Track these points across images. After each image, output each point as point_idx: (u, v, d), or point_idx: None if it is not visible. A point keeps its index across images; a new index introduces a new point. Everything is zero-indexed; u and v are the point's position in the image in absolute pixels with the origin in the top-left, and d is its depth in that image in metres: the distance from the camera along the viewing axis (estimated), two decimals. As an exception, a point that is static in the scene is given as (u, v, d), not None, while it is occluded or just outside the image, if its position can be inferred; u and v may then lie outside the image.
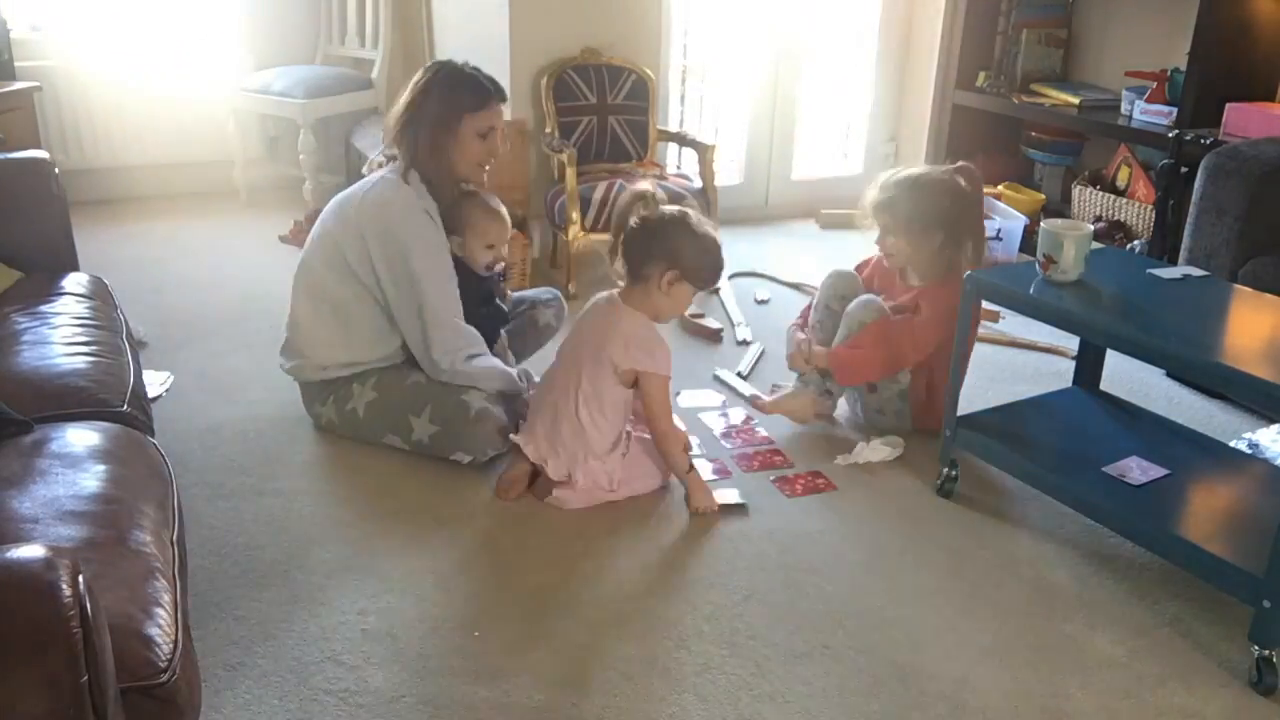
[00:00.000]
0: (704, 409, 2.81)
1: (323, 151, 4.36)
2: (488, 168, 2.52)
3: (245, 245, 4.01)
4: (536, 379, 2.56)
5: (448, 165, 2.46)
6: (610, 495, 2.30)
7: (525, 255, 3.61)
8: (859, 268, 2.82)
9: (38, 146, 3.15)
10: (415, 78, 2.49)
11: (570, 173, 3.50)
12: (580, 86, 3.82)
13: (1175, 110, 3.63)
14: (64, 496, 1.48)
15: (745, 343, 3.27)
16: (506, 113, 2.56)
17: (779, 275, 3.90)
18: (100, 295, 2.34)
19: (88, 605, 1.01)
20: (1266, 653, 1.81)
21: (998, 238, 4.02)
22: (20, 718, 0.94)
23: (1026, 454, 2.26)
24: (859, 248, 3.00)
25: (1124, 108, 3.91)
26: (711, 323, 3.35)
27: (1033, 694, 1.81)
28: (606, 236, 3.48)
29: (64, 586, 1.00)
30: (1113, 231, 3.90)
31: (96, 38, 4.20)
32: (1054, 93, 4.20)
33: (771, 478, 2.47)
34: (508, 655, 1.85)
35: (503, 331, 2.69)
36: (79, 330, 2.09)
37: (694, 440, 2.59)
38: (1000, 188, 4.35)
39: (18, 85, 3.60)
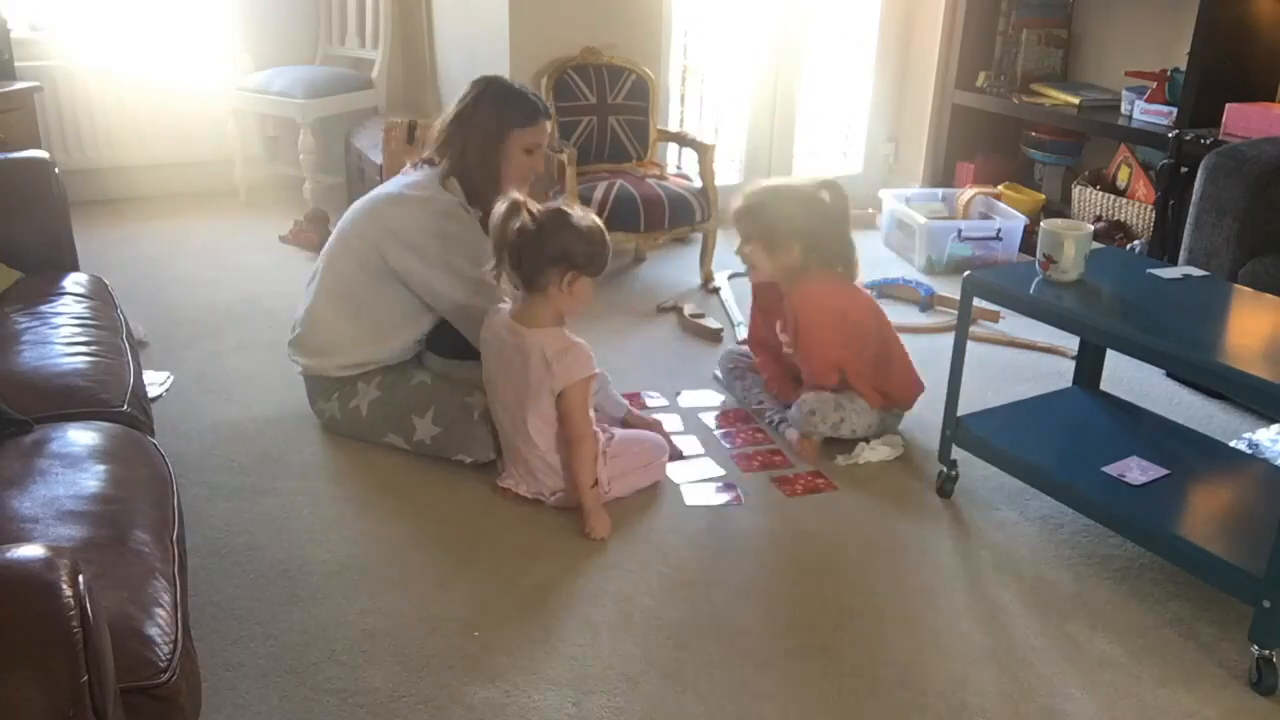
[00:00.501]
0: (704, 409, 2.81)
1: (322, 151, 4.37)
2: (528, 180, 2.54)
3: (245, 245, 4.01)
4: None
5: (493, 176, 2.48)
6: (607, 496, 2.29)
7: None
8: (755, 290, 2.84)
9: (38, 146, 3.15)
10: (465, 90, 2.53)
11: (570, 173, 3.50)
12: (580, 86, 3.82)
13: (1175, 110, 3.63)
14: (64, 496, 1.48)
15: (745, 343, 3.27)
16: (550, 130, 2.60)
17: (779, 275, 3.90)
18: (100, 295, 2.33)
19: (88, 605, 1.01)
20: (1266, 653, 1.81)
21: (998, 238, 4.02)
22: (20, 718, 0.94)
23: (1026, 454, 2.26)
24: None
25: (1124, 108, 3.91)
26: (711, 323, 3.35)
27: (1033, 694, 1.81)
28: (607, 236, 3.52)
29: (64, 586, 1.00)
30: (1113, 231, 3.90)
31: (96, 38, 4.20)
32: (1054, 93, 4.20)
33: (772, 476, 2.47)
34: (508, 655, 1.85)
35: None
36: (79, 330, 2.09)
37: (695, 440, 2.60)
38: (1000, 188, 4.35)
39: (18, 85, 3.60)
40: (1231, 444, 2.46)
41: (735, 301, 3.61)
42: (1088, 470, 2.17)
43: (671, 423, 2.69)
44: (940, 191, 4.44)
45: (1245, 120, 3.36)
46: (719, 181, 3.76)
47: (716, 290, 3.74)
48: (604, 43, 3.88)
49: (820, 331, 2.55)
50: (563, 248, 2.15)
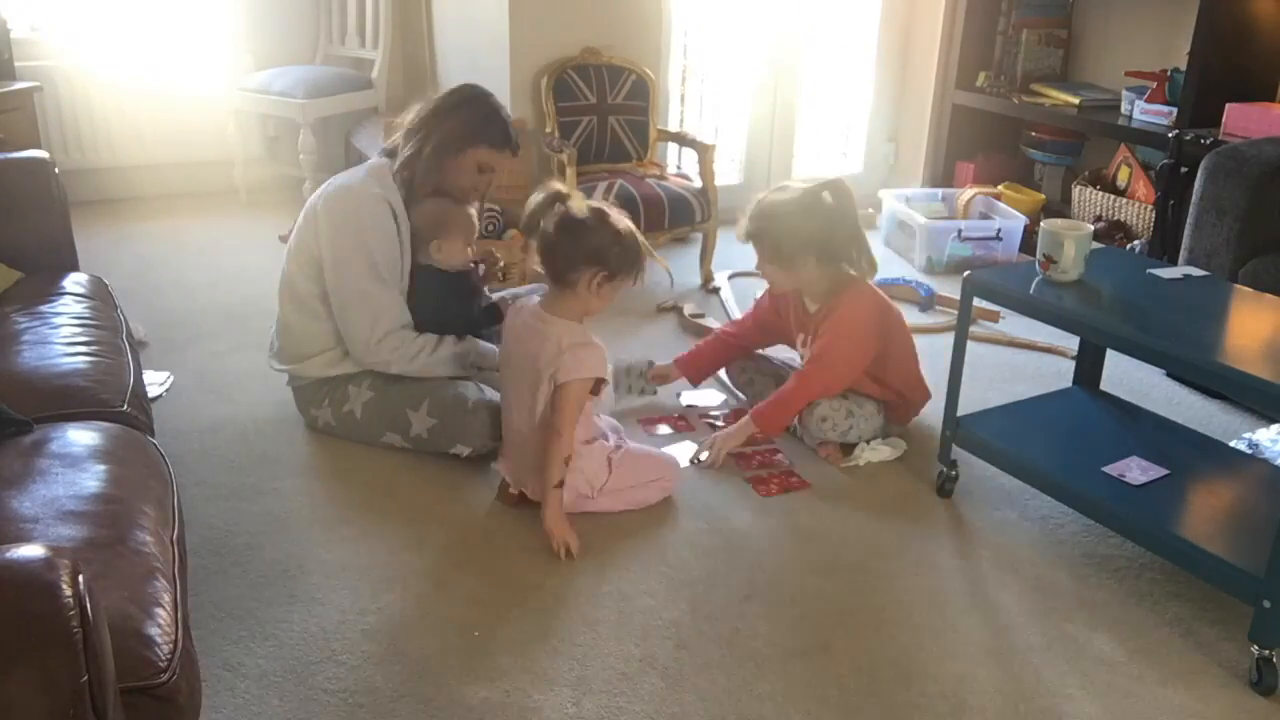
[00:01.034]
0: (705, 409, 2.81)
1: (323, 151, 4.36)
2: (469, 198, 2.55)
3: (245, 245, 4.01)
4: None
5: (437, 176, 2.47)
6: (592, 504, 2.25)
7: (525, 255, 3.60)
8: (758, 300, 2.80)
9: (38, 146, 3.15)
10: (450, 89, 2.54)
11: (570, 173, 3.50)
12: (580, 86, 3.82)
13: (1175, 110, 3.63)
14: (64, 496, 1.48)
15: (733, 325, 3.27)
16: (508, 164, 2.60)
17: (779, 275, 3.90)
18: (100, 295, 2.34)
19: (88, 605, 1.01)
20: (1266, 653, 1.81)
21: (998, 238, 4.02)
22: (20, 717, 0.94)
23: (1026, 454, 2.26)
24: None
25: (1124, 108, 3.91)
26: (711, 323, 3.35)
27: (1033, 694, 1.81)
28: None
29: (64, 586, 1.00)
30: (1113, 231, 3.90)
31: (96, 38, 4.20)
32: (1054, 93, 4.20)
33: (745, 477, 2.47)
34: (508, 655, 1.85)
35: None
36: (79, 330, 2.09)
37: (692, 444, 2.61)
38: (1000, 188, 4.35)
39: (18, 85, 3.61)
40: (1231, 444, 2.46)
41: (735, 301, 3.61)
42: (1088, 470, 2.17)
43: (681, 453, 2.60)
44: (940, 191, 4.44)
45: (1245, 120, 3.36)
46: (719, 181, 3.76)
47: (716, 290, 3.74)
48: (604, 43, 3.88)
49: (856, 350, 2.52)
50: (599, 248, 2.13)
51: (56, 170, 2.49)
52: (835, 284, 2.55)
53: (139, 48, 4.26)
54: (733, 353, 2.82)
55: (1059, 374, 3.07)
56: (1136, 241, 3.77)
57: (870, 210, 4.49)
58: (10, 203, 2.40)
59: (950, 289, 3.60)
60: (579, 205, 2.14)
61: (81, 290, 2.32)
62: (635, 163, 3.88)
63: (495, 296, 2.77)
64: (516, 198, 3.71)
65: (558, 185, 2.19)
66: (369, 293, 2.41)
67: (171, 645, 1.25)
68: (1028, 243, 3.94)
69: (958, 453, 2.38)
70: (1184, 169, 3.39)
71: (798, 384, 2.54)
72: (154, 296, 3.44)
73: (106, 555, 1.36)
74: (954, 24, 4.50)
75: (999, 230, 4.02)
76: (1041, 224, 2.20)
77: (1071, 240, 2.13)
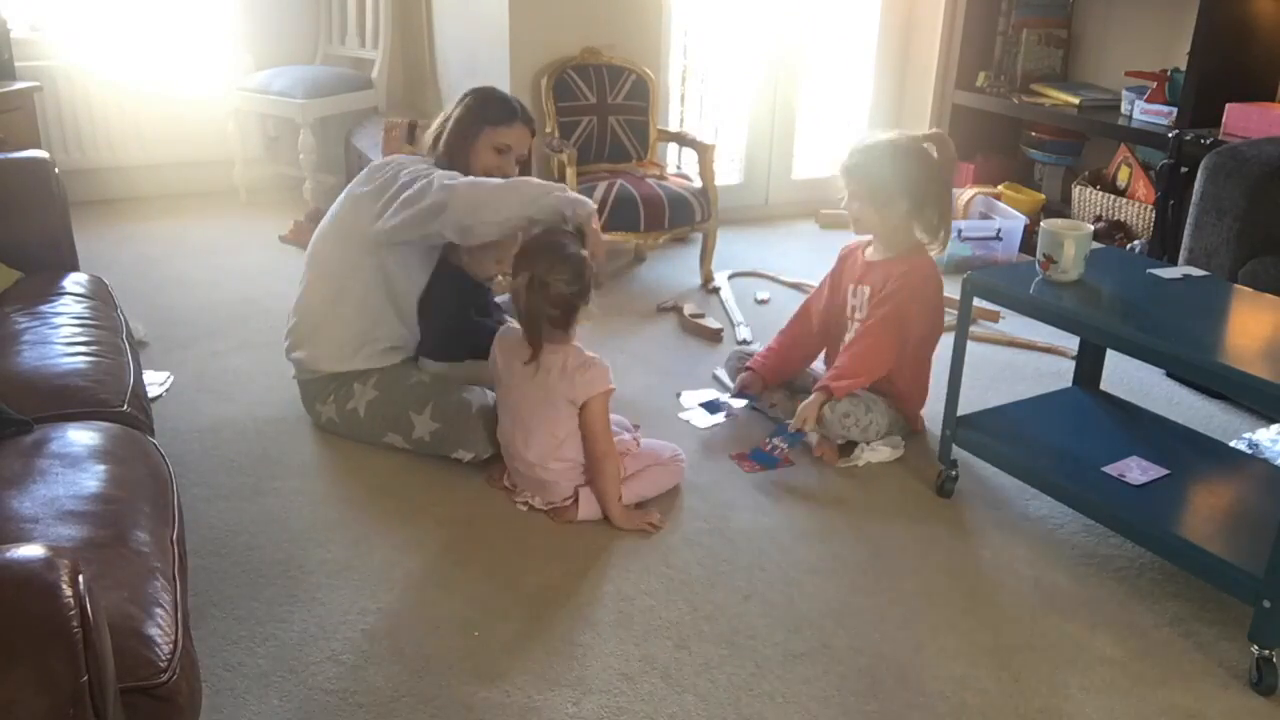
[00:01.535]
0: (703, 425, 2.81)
1: (322, 151, 4.37)
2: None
3: (245, 245, 4.01)
4: None
5: (459, 168, 2.49)
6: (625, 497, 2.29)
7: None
8: (841, 257, 2.78)
9: (38, 146, 3.15)
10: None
11: (570, 173, 3.50)
12: (580, 86, 3.82)
13: (1175, 110, 3.63)
14: (64, 496, 1.48)
15: (745, 342, 3.27)
16: (527, 140, 2.61)
17: (779, 275, 3.90)
18: (100, 295, 2.33)
19: (88, 605, 1.01)
20: (1266, 653, 1.81)
21: (998, 238, 4.02)
22: (20, 717, 0.94)
23: (1026, 454, 2.26)
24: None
25: (1124, 108, 3.91)
26: (711, 323, 3.35)
27: (1033, 694, 1.81)
28: (607, 236, 3.49)
29: (64, 586, 1.00)
30: (1113, 231, 3.90)
31: (96, 38, 4.21)
32: (1054, 93, 4.20)
33: (730, 454, 2.55)
34: (508, 655, 1.85)
35: None
36: (79, 330, 2.09)
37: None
38: (1000, 188, 4.35)
39: (18, 85, 3.61)
40: (1231, 444, 2.46)
41: (735, 301, 3.61)
42: (1088, 470, 2.17)
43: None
44: (940, 191, 4.43)
45: (1245, 120, 3.36)
46: (719, 181, 3.76)
47: (716, 290, 3.74)
48: (604, 43, 3.88)
49: (925, 311, 2.54)
50: (581, 292, 2.19)
51: (56, 170, 2.49)
52: (907, 241, 2.57)
53: (139, 48, 4.26)
54: (798, 351, 2.78)
55: (1059, 374, 3.07)
56: (1136, 241, 3.77)
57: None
58: (10, 203, 2.40)
59: (950, 289, 3.60)
60: (556, 279, 2.14)
61: (81, 290, 2.32)
62: (635, 163, 3.88)
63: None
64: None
65: (523, 277, 2.16)
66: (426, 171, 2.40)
67: (171, 645, 1.25)
68: (1028, 243, 3.94)
69: (958, 453, 2.38)
70: (1184, 169, 3.39)
71: (864, 348, 2.51)
72: (154, 296, 3.44)
73: (106, 555, 1.36)
74: (954, 24, 4.50)
75: (999, 230, 4.02)
76: (1041, 224, 2.20)
77: (1071, 240, 2.13)
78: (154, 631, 1.25)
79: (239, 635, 1.87)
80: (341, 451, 2.52)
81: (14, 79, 3.64)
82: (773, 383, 2.74)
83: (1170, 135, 3.50)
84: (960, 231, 4.00)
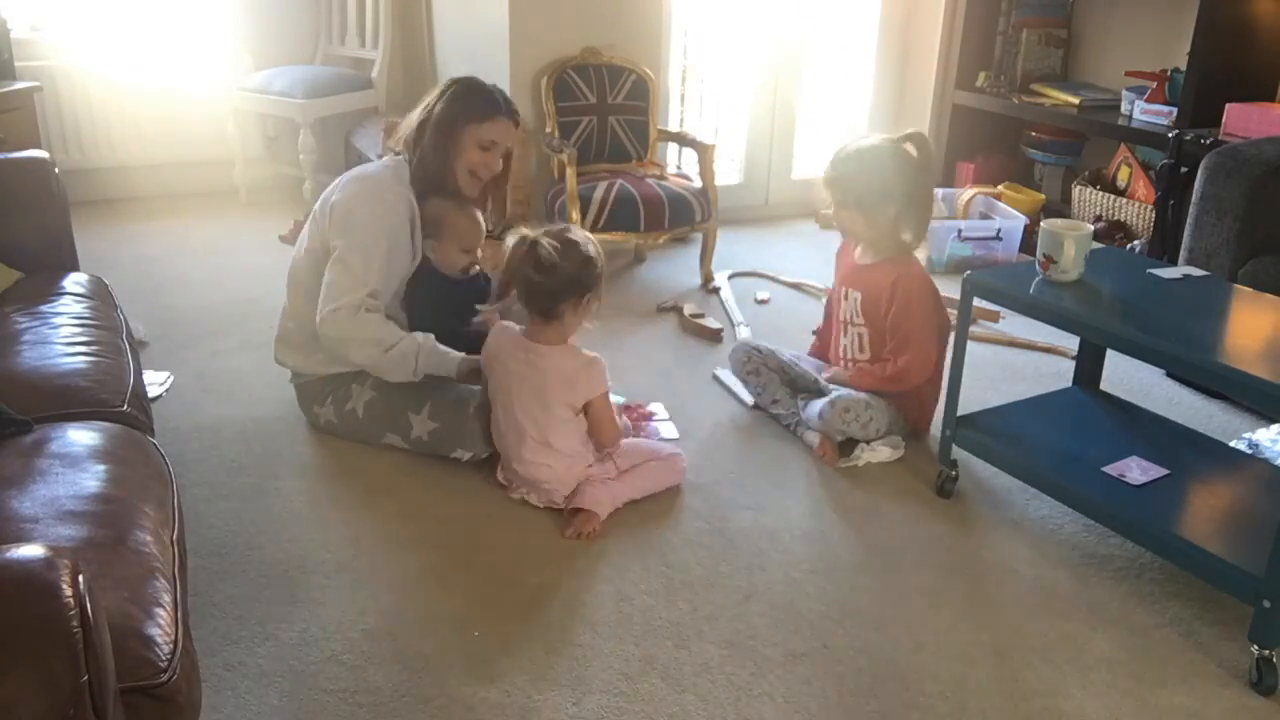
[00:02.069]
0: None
1: (322, 151, 4.37)
2: (481, 178, 2.54)
3: (245, 245, 4.01)
4: None
5: (442, 166, 2.49)
6: (620, 490, 2.30)
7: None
8: (838, 254, 2.81)
9: (38, 146, 3.15)
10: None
11: (570, 173, 3.50)
12: (580, 86, 3.82)
13: (1175, 110, 3.63)
14: (64, 496, 1.48)
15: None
16: (511, 134, 2.57)
17: (779, 275, 3.90)
18: (100, 295, 2.33)
19: (88, 605, 1.01)
20: (1266, 653, 1.81)
21: (998, 238, 4.02)
22: (20, 717, 0.94)
23: (1026, 454, 2.26)
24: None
25: (1124, 108, 3.91)
26: (711, 323, 3.35)
27: (1033, 694, 1.81)
28: (607, 236, 3.53)
29: (64, 586, 1.00)
30: (1113, 231, 3.90)
31: (96, 38, 4.20)
32: (1054, 93, 4.20)
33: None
34: (508, 655, 1.85)
35: None
36: (79, 330, 2.09)
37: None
38: (1000, 188, 4.35)
39: (18, 85, 3.60)
40: (1231, 444, 2.46)
41: (735, 301, 3.61)
42: (1088, 470, 2.17)
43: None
44: (940, 191, 4.43)
45: (1245, 120, 3.36)
46: (719, 181, 3.76)
47: (716, 290, 3.74)
48: (604, 43, 3.88)
49: (931, 319, 2.55)
50: (575, 278, 2.20)
51: (56, 170, 2.49)
52: (894, 244, 2.58)
53: (139, 48, 4.26)
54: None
55: (1059, 374, 3.07)
56: (1136, 241, 3.77)
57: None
58: (10, 203, 2.40)
59: (950, 289, 3.60)
60: (547, 245, 2.17)
61: (81, 290, 2.32)
62: (635, 163, 3.88)
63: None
64: (517, 198, 3.72)
65: (523, 230, 2.21)
66: (351, 264, 2.38)
67: (171, 645, 1.25)
68: (1028, 243, 3.94)
69: (958, 453, 2.38)
70: (1184, 169, 3.39)
71: (897, 372, 2.54)
72: (154, 296, 3.44)
73: (106, 555, 1.36)
74: (954, 24, 4.50)
75: (999, 230, 4.02)
76: (1041, 224, 2.20)
77: (1071, 240, 2.13)
78: (154, 631, 1.25)
79: (239, 635, 1.87)
80: (341, 451, 2.52)
81: (14, 79, 3.64)
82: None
83: (1170, 135, 3.50)
84: (960, 231, 4.01)
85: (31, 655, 0.96)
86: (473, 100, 2.51)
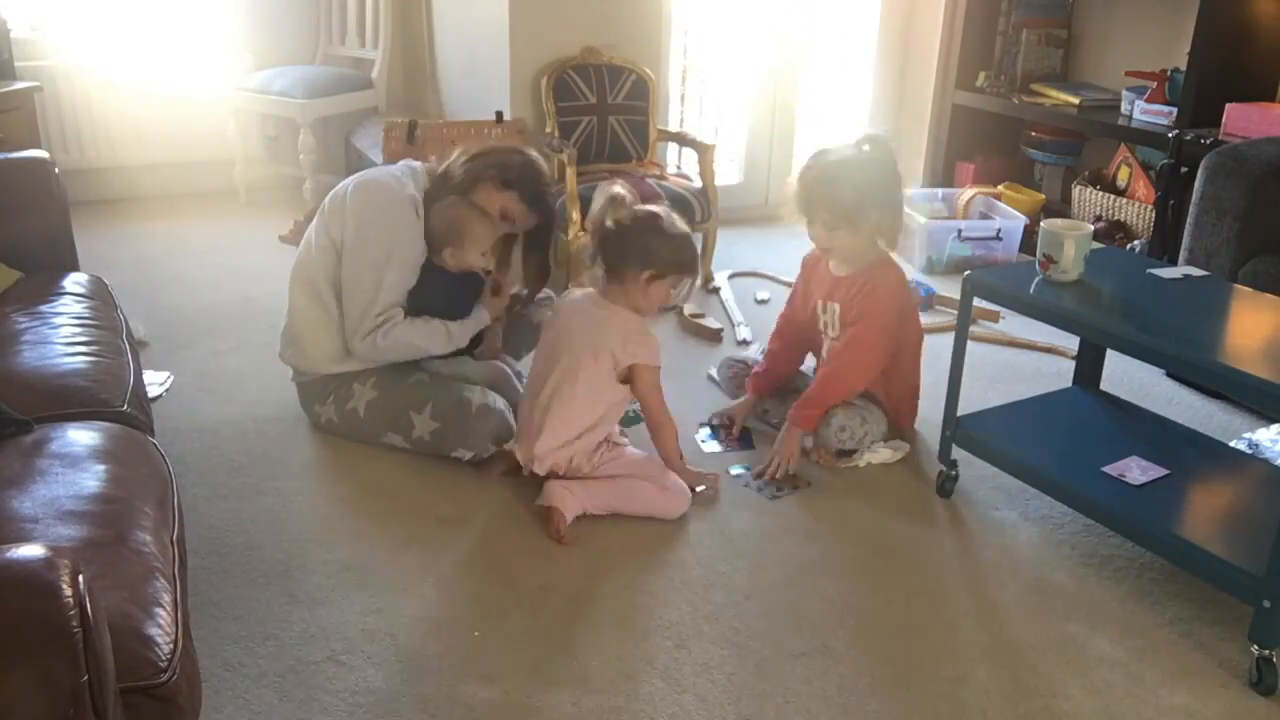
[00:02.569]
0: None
1: (322, 151, 4.37)
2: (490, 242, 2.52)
3: (245, 245, 4.01)
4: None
5: (465, 190, 2.48)
6: (599, 496, 2.26)
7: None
8: (807, 264, 2.75)
9: (38, 146, 3.15)
10: (511, 145, 2.67)
11: (570, 173, 3.50)
12: (580, 86, 3.82)
13: (1175, 110, 3.63)
14: (64, 496, 1.48)
15: (745, 342, 3.27)
16: (530, 222, 2.56)
17: (779, 275, 3.90)
18: (100, 295, 2.33)
19: (88, 605, 1.01)
20: (1266, 653, 1.81)
21: (998, 238, 4.02)
22: (20, 717, 0.94)
23: (1026, 454, 2.26)
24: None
25: (1124, 108, 3.91)
26: (711, 323, 3.35)
27: (1033, 694, 1.81)
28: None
29: (64, 586, 1.00)
30: (1113, 231, 3.90)
31: (96, 38, 4.20)
32: (1054, 93, 4.20)
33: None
34: (508, 655, 1.85)
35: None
36: (79, 330, 2.09)
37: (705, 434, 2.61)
38: (1000, 188, 4.35)
39: (18, 85, 3.61)
40: (1231, 444, 2.46)
41: (735, 301, 3.61)
42: (1088, 470, 2.17)
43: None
44: (940, 191, 4.44)
45: (1245, 120, 3.36)
46: (719, 181, 3.76)
47: (716, 290, 3.74)
48: (604, 43, 3.88)
49: (887, 333, 2.49)
50: (647, 247, 2.25)
51: (56, 170, 2.49)
52: (872, 251, 2.54)
53: (139, 48, 4.26)
54: (785, 364, 2.74)
55: (1059, 374, 3.07)
56: (1136, 241, 3.77)
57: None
58: (10, 203, 2.40)
59: (950, 289, 3.61)
60: (633, 207, 2.28)
61: (81, 290, 2.32)
62: (635, 163, 3.88)
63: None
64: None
65: (616, 188, 2.31)
66: (364, 286, 2.41)
67: (171, 645, 1.25)
68: (1028, 243, 3.94)
69: (958, 453, 2.38)
70: (1184, 169, 3.39)
71: (833, 373, 2.51)
72: (154, 296, 3.44)
73: (106, 555, 1.36)
74: (954, 24, 4.50)
75: (999, 230, 4.02)
76: (1041, 224, 2.20)
77: (1071, 240, 2.13)
78: (154, 631, 1.25)
79: (239, 635, 1.87)
80: (341, 451, 2.52)
81: (14, 79, 3.64)
82: (769, 394, 2.73)
83: (1170, 135, 3.50)
84: (960, 231, 4.01)
85: (31, 655, 0.96)
86: (526, 175, 2.50)
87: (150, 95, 4.31)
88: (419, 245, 2.45)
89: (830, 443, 2.51)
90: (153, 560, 1.40)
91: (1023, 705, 1.78)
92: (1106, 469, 2.17)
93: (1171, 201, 3.46)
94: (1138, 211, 3.87)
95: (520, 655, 1.84)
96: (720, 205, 3.77)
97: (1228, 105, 3.41)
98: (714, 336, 3.30)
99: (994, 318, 3.46)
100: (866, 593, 2.06)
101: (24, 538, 1.37)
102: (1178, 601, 2.06)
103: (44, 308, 2.18)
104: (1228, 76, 3.48)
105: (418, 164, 2.56)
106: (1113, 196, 3.98)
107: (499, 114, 3.70)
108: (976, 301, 2.27)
